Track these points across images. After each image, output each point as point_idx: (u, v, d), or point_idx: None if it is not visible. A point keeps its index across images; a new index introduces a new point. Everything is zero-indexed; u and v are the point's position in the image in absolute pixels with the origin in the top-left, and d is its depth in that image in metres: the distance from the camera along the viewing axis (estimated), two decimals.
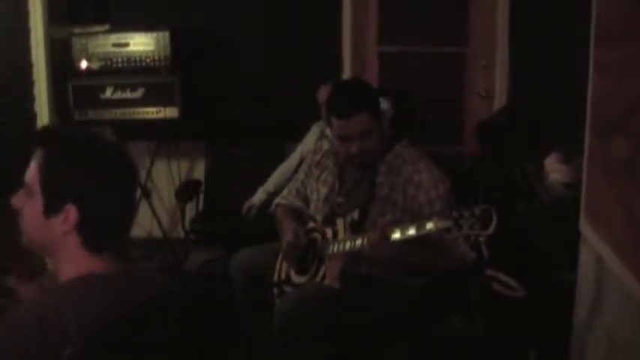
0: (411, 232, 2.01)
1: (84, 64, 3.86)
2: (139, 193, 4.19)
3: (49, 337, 1.13)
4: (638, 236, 1.70)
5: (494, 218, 1.81)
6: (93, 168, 1.28)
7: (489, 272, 2.62)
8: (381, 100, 2.44)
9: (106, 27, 3.95)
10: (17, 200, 1.31)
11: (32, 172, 1.28)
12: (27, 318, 1.17)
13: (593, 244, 2.17)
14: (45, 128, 1.31)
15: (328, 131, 3.52)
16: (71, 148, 1.29)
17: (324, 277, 2.33)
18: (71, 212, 1.25)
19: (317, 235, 2.44)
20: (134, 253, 4.05)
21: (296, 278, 2.43)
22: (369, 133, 2.29)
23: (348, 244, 2.26)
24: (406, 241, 2.06)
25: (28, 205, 1.29)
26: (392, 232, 2.07)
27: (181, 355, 1.35)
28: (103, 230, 1.29)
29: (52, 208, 1.26)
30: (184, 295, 1.42)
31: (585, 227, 2.29)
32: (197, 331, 1.40)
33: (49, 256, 1.33)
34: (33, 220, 1.29)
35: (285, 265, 2.49)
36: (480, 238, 2.31)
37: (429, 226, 1.96)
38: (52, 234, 1.27)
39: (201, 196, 4.03)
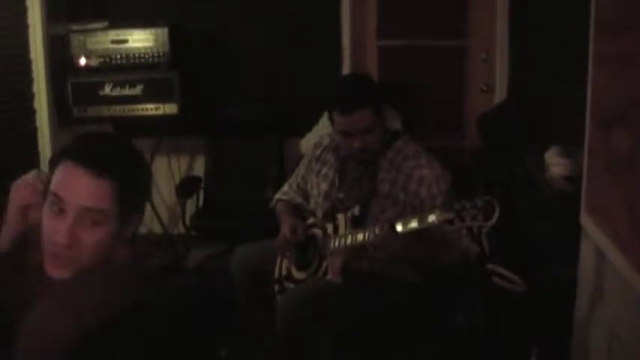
0: (414, 224, 2.01)
1: (83, 61, 3.85)
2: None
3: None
4: (638, 230, 1.69)
5: (497, 209, 1.81)
6: (146, 169, 1.33)
7: (490, 266, 2.62)
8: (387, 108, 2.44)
9: (105, 23, 3.95)
10: (75, 232, 1.22)
11: (103, 200, 1.22)
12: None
13: (594, 238, 2.16)
14: (105, 151, 1.27)
15: None
16: (137, 168, 1.30)
17: (325, 273, 2.33)
18: (137, 220, 1.31)
19: (317, 231, 2.43)
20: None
21: (297, 274, 2.43)
22: (372, 129, 2.28)
23: (349, 240, 2.26)
24: (410, 237, 2.05)
25: (99, 231, 1.24)
26: (396, 224, 2.06)
27: (177, 349, 1.35)
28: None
29: (126, 223, 1.28)
30: (181, 291, 1.43)
31: (586, 220, 2.28)
32: (193, 326, 1.41)
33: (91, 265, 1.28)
34: (105, 242, 1.25)
35: (286, 262, 2.49)
36: (483, 230, 2.31)
37: (432, 218, 1.96)
38: (114, 247, 1.28)
39: (202, 192, 4.03)
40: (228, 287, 2.55)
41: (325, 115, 3.59)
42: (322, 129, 3.53)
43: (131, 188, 1.25)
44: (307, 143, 3.60)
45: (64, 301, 1.20)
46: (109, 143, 1.31)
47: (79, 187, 1.21)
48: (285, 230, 2.43)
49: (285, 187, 2.69)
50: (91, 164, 1.21)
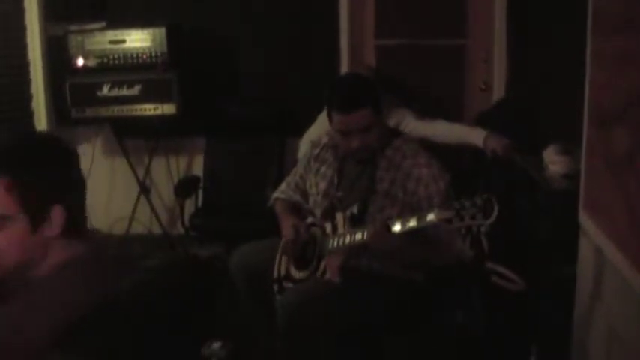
0: (412, 224, 2.01)
1: (81, 62, 3.85)
2: (137, 188, 4.20)
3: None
4: (637, 227, 1.69)
5: (496, 207, 1.81)
6: (57, 163, 1.27)
7: (489, 265, 2.62)
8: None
9: (103, 24, 3.95)
10: None
11: (2, 200, 1.21)
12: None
13: (593, 236, 2.17)
14: None
15: None
16: (27, 156, 1.26)
17: (324, 272, 2.32)
18: (57, 214, 1.24)
19: (316, 230, 2.43)
20: (134, 250, 4.05)
21: (296, 274, 2.43)
22: (371, 128, 2.28)
23: (347, 239, 2.26)
24: (405, 236, 2.05)
25: (6, 232, 1.22)
26: (393, 224, 2.07)
27: (161, 332, 1.34)
28: (81, 215, 1.31)
29: (38, 220, 1.24)
30: (163, 275, 1.42)
31: (584, 219, 2.29)
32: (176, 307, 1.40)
33: (26, 270, 1.27)
34: (17, 242, 1.23)
35: (284, 261, 2.49)
36: (482, 229, 2.30)
37: (431, 217, 1.96)
38: (39, 243, 1.25)
39: (200, 192, 4.03)
40: (228, 287, 2.55)
41: (324, 112, 3.61)
42: (320, 127, 3.53)
43: (28, 183, 1.22)
44: (308, 137, 3.59)
45: (31, 300, 1.20)
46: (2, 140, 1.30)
47: None
48: (287, 231, 2.43)
49: (283, 186, 2.69)
50: None
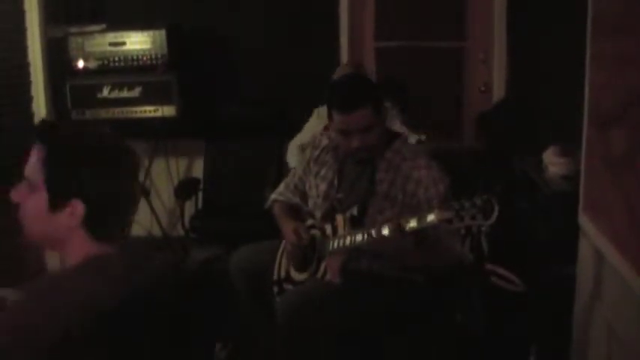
0: (413, 224, 2.00)
1: (81, 64, 3.85)
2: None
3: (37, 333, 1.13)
4: (636, 228, 1.70)
5: (496, 208, 1.80)
6: (96, 163, 1.28)
7: (488, 266, 2.62)
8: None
9: (103, 26, 3.95)
10: (18, 194, 1.30)
11: (34, 166, 1.27)
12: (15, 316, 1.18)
13: (592, 237, 2.17)
14: (43, 123, 1.31)
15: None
16: (73, 142, 1.29)
17: (324, 273, 2.32)
18: (77, 207, 1.26)
19: (316, 232, 2.44)
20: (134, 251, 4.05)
21: (296, 276, 2.43)
22: (371, 128, 2.28)
23: (348, 240, 2.25)
24: (404, 239, 2.05)
25: (30, 200, 1.28)
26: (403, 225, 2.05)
27: (180, 334, 1.35)
28: (108, 220, 1.31)
29: (57, 203, 1.26)
30: (181, 276, 1.43)
31: (584, 220, 2.29)
32: (194, 307, 1.41)
33: (51, 249, 1.33)
34: (36, 214, 1.28)
35: (284, 263, 2.49)
36: (482, 229, 2.30)
37: (431, 217, 1.95)
38: (56, 228, 1.27)
39: (200, 194, 4.03)
40: (228, 289, 2.55)
41: (315, 112, 3.62)
42: (307, 134, 3.55)
43: (57, 164, 1.26)
44: (294, 144, 3.61)
45: (38, 297, 1.21)
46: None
47: None
48: (290, 236, 2.43)
49: (281, 187, 2.67)
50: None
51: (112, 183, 1.30)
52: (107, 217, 1.30)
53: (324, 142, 2.57)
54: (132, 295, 1.24)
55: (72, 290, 1.21)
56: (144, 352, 1.24)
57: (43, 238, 1.31)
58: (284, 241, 2.51)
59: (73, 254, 1.29)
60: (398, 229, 2.03)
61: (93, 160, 1.28)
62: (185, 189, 3.95)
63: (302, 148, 3.48)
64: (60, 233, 1.28)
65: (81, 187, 1.26)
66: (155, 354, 1.27)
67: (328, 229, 2.37)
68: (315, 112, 3.60)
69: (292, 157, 3.59)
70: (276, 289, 2.46)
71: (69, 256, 1.30)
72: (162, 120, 3.86)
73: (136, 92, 3.84)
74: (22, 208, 1.30)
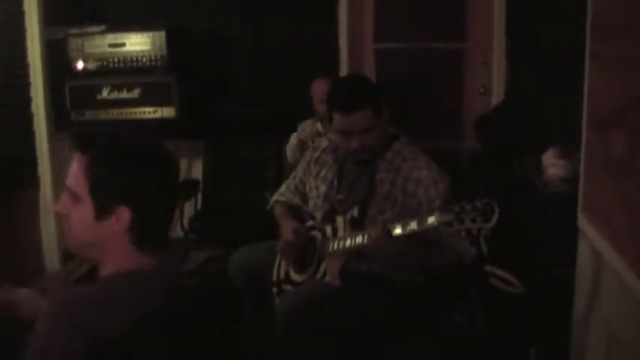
0: (413, 226, 2.00)
1: (80, 65, 3.85)
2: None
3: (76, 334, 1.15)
4: (635, 230, 1.70)
5: (496, 211, 1.81)
6: (139, 168, 1.29)
7: (488, 268, 2.62)
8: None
9: (102, 27, 3.95)
10: (62, 206, 1.30)
11: (76, 177, 1.27)
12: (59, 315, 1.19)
13: (591, 239, 2.17)
14: (82, 133, 1.30)
15: (319, 127, 3.54)
16: (114, 150, 1.30)
17: (324, 275, 2.32)
18: (124, 214, 1.26)
19: (316, 233, 2.44)
20: None
21: (295, 277, 2.43)
22: (371, 129, 2.28)
23: (348, 242, 2.25)
24: (405, 239, 2.05)
25: (76, 211, 1.28)
26: (393, 227, 2.06)
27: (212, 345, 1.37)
28: (152, 228, 1.31)
29: (103, 211, 1.27)
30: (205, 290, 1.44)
31: (583, 222, 2.29)
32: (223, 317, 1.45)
33: (92, 256, 1.34)
34: (83, 224, 1.28)
35: (284, 264, 2.49)
36: (482, 232, 2.30)
37: (431, 220, 1.95)
38: (102, 235, 1.28)
39: (200, 195, 4.03)
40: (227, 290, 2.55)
41: (301, 125, 3.65)
42: (304, 129, 3.59)
43: (101, 172, 1.26)
44: (295, 138, 3.64)
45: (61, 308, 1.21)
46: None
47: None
48: (286, 233, 2.43)
49: (283, 189, 2.68)
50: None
51: (156, 185, 1.30)
52: (152, 223, 1.31)
53: (325, 143, 2.57)
54: (172, 306, 1.25)
55: (117, 297, 1.22)
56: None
57: (89, 246, 1.31)
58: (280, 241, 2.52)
59: (112, 261, 1.30)
60: (387, 234, 2.04)
61: (135, 165, 1.29)
62: (184, 190, 3.95)
63: (301, 143, 3.51)
64: (105, 240, 1.29)
65: (125, 195, 1.26)
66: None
67: (328, 230, 2.37)
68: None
69: (290, 150, 3.62)
70: (275, 289, 2.46)
71: (108, 263, 1.30)
72: (162, 121, 3.86)
73: (136, 93, 3.84)
74: (67, 219, 1.30)
